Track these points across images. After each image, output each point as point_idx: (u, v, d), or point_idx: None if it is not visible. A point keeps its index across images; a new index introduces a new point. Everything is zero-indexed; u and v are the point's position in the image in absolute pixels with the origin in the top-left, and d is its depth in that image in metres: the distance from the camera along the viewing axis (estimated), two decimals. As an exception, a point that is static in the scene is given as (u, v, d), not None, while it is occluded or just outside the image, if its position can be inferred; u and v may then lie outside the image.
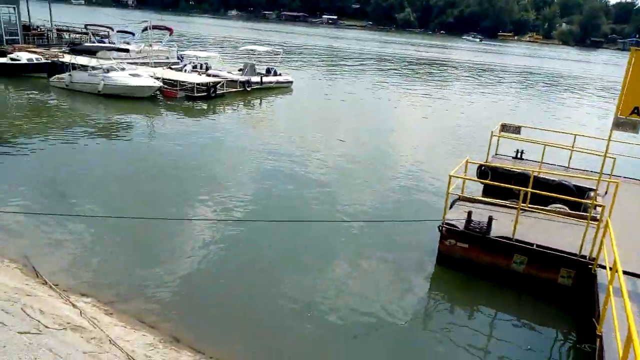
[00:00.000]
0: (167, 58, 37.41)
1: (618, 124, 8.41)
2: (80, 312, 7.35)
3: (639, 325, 6.81)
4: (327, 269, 10.14)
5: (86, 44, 36.37)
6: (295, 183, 15.24)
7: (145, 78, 26.78)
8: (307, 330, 8.19)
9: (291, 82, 35.00)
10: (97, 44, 35.53)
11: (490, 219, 9.91)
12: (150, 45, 35.64)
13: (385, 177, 16.44)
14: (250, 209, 12.92)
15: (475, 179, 13.54)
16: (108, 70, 26.62)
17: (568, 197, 10.76)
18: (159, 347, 7.11)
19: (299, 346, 7.75)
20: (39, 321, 5.78)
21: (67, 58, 29.06)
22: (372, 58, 65.41)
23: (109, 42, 39.30)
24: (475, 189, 14.76)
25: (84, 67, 27.28)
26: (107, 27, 43.43)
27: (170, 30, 41.49)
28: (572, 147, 14.31)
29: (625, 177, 14.22)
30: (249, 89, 31.11)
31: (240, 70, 33.41)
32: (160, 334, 7.76)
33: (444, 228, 10.23)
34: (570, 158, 14.60)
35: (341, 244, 11.29)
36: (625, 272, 8.13)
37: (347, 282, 9.72)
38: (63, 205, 12.22)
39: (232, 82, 30.53)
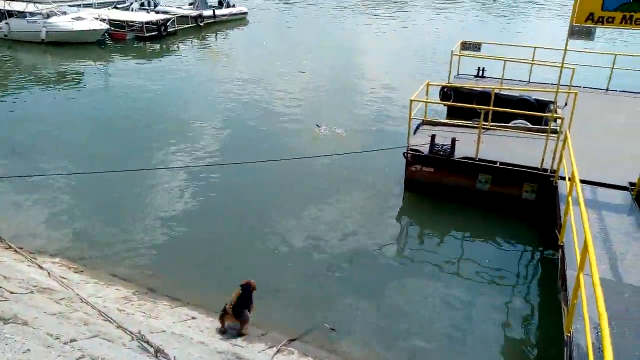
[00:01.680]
0: (111, -4, 35.03)
1: (573, 32, 8.30)
2: (48, 273, 7.22)
3: (596, 233, 7.13)
4: (300, 205, 10.13)
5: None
6: (258, 121, 14.95)
7: (90, 21, 25.18)
8: (284, 266, 8.28)
9: (246, 13, 33.50)
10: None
11: (454, 140, 9.94)
12: (91, -16, 33.19)
13: (349, 107, 16.24)
14: (216, 152, 12.68)
15: (436, 101, 13.47)
16: (48, 16, 24.81)
17: (529, 112, 10.83)
18: (134, 299, 7.10)
19: (278, 284, 7.82)
20: (1, 287, 5.64)
21: (1, 4, 26.88)
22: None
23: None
24: (442, 110, 14.76)
25: (21, 14, 25.34)
26: (42, -33, 40.05)
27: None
28: (532, 60, 14.26)
29: (584, 87, 14.36)
30: (201, 24, 29.70)
31: (191, 4, 31.65)
32: (134, 286, 7.73)
33: (408, 154, 10.24)
34: (530, 72, 14.58)
35: (311, 180, 11.26)
36: (583, 182, 8.37)
37: (321, 217, 9.77)
38: (20, 164, 11.73)
39: (183, 18, 29.04)
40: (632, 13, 7.76)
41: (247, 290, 6.34)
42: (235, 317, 6.33)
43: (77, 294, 6.42)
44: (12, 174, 10.86)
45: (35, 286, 6.27)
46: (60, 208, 9.99)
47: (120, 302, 6.85)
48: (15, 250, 8.13)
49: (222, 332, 6.41)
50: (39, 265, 7.50)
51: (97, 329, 5.26)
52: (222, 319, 6.42)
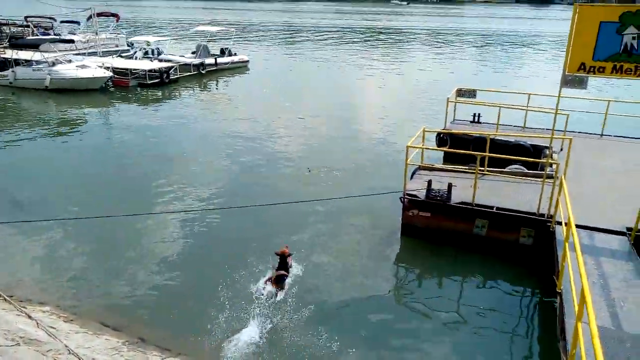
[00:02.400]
0: (116, 46, 36.04)
1: (566, 81, 8.47)
2: (37, 323, 7.06)
3: (594, 280, 7.02)
4: (295, 250, 10.03)
5: (28, 37, 34.67)
6: (257, 167, 15.03)
7: (94, 69, 25.76)
8: (276, 313, 8.09)
9: (247, 61, 34.31)
10: (39, 37, 33.91)
11: (450, 185, 9.96)
12: (97, 34, 34.18)
13: (346, 153, 16.34)
14: (212, 197, 12.66)
15: (432, 147, 13.58)
16: (54, 64, 25.42)
17: (524, 158, 10.89)
18: (123, 350, 6.93)
19: (270, 332, 7.65)
20: (-12, 339, 5.51)
21: (9, 54, 27.62)
22: (327, 31, 64.63)
23: (53, 34, 37.55)
24: (438, 156, 14.84)
25: (27, 62, 25.99)
26: (50, 18, 41.48)
27: (116, 16, 39.82)
28: (527, 106, 14.47)
29: (579, 132, 14.50)
30: (203, 72, 30.35)
31: (193, 52, 32.50)
32: (125, 336, 7.56)
33: (405, 199, 10.24)
34: (525, 118, 14.78)
35: (307, 224, 11.19)
36: (580, 226, 8.34)
37: (316, 261, 9.65)
38: (15, 211, 11.71)
39: (185, 66, 29.72)
40: (622, 63, 7.94)
41: (282, 257, 8.51)
42: (277, 284, 8.31)
43: (66, 346, 6.26)
44: (6, 220, 10.81)
45: (22, 337, 6.13)
46: (52, 254, 9.89)
47: (109, 353, 6.68)
48: (5, 299, 7.99)
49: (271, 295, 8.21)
50: (28, 315, 7.35)
51: (82, 382, 5.10)
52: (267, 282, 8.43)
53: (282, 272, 8.52)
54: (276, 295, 8.23)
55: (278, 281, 8.37)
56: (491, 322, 8.06)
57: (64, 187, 13.24)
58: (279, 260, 8.60)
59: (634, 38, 7.72)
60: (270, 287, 8.38)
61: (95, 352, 6.43)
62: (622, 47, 7.83)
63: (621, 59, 7.92)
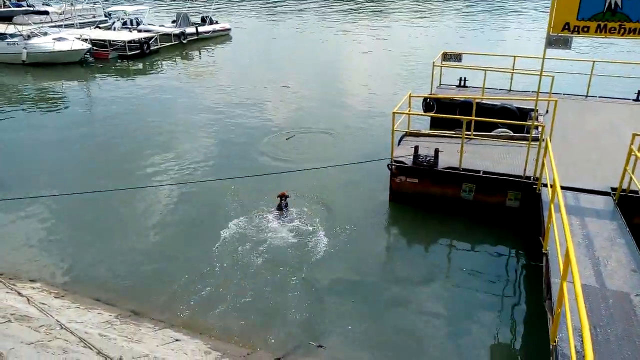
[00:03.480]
0: (94, 17, 35.04)
1: (550, 42, 8.40)
2: (28, 299, 7.06)
3: (579, 239, 7.15)
4: (286, 220, 10.05)
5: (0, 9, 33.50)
6: (241, 137, 14.90)
7: (72, 41, 25.04)
8: (267, 282, 8.16)
9: (229, 29, 33.59)
10: (11, 8, 32.76)
11: (437, 151, 9.97)
12: (72, 5, 33.09)
13: (332, 121, 16.21)
14: (203, 169, 12.59)
15: (419, 112, 13.54)
16: (29, 37, 24.68)
17: (510, 121, 10.91)
18: (116, 323, 6.96)
19: (261, 302, 7.73)
20: (-22, 318, 5.49)
21: (-20, 27, 26.69)
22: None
23: (27, 5, 36.31)
24: (426, 121, 14.81)
25: (1, 35, 25.15)
26: (23, -12, 40.00)
27: (92, -15, 38.60)
28: (512, 69, 14.42)
29: (565, 94, 14.54)
30: (184, 41, 29.70)
31: (173, 22, 31.70)
32: (117, 309, 7.59)
33: (393, 166, 10.25)
34: (511, 80, 14.74)
35: (299, 193, 11.15)
36: (565, 188, 8.44)
37: (304, 229, 9.68)
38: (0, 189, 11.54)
39: (166, 36, 29.03)
40: (606, 22, 7.89)
41: (282, 198, 10.23)
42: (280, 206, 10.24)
43: (57, 321, 6.27)
44: (-8, 198, 10.66)
45: (13, 314, 6.12)
46: (40, 231, 9.83)
47: (102, 327, 6.70)
48: (-6, 277, 7.95)
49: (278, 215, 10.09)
50: (18, 292, 7.33)
51: (76, 357, 5.13)
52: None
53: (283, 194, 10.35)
54: (282, 212, 10.14)
55: (281, 204, 10.23)
56: (479, 285, 8.22)
57: (46, 163, 13.06)
58: (279, 201, 10.27)
59: (618, -4, 7.66)
60: (276, 212, 10.17)
61: (88, 327, 6.46)
62: (606, 5, 7.77)
63: (605, 18, 7.87)
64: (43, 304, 7.04)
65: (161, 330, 7.02)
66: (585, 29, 8.07)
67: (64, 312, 7.00)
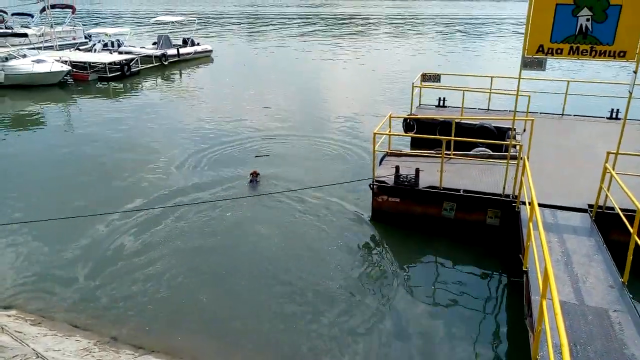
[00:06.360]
0: (74, 39, 34.90)
1: (526, 64, 8.64)
2: (2, 328, 6.85)
3: (558, 256, 7.25)
4: (267, 239, 10.01)
5: (-22, 32, 33.15)
6: (221, 158, 14.84)
7: (51, 63, 24.89)
8: (249, 307, 8.08)
9: (210, 51, 33.78)
10: (-11, 31, 32.49)
11: (418, 170, 10.07)
12: (52, 27, 32.95)
13: (313, 142, 16.29)
14: (179, 193, 12.45)
15: (399, 133, 13.70)
16: (7, 59, 24.45)
17: (489, 141, 11.10)
18: (95, 350, 6.79)
19: (243, 327, 7.64)
20: (-51, 349, 5.31)
21: (-43, 49, 26.37)
22: (290, 19, 64.05)
23: (5, 27, 36.03)
24: (406, 141, 14.97)
25: (-22, 58, 24.89)
26: (1, 11, 39.73)
27: (72, 8, 38.46)
28: (490, 89, 14.73)
29: (541, 113, 14.88)
30: (166, 63, 29.75)
31: (154, 44, 31.75)
32: (96, 336, 7.40)
33: (374, 186, 10.31)
34: (489, 100, 15.04)
35: (280, 215, 11.13)
36: (543, 205, 8.58)
37: (287, 247, 9.64)
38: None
39: (147, 58, 29.04)
40: (578, 44, 8.14)
41: (252, 175, 12.63)
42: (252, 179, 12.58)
43: (33, 349, 6.10)
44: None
45: (-13, 344, 5.93)
46: (12, 258, 9.57)
47: (80, 355, 6.54)
48: (-33, 305, 7.72)
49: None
50: (-7, 320, 7.12)
51: (52, 386, 4.98)
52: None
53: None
54: (253, 182, 12.44)
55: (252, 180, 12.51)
56: (460, 302, 8.23)
57: (22, 187, 12.80)
58: (250, 178, 12.52)
59: (587, 20, 7.91)
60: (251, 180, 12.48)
61: (66, 355, 6.29)
62: (578, 28, 8.02)
63: (577, 41, 8.12)
64: (18, 332, 6.85)
65: (141, 356, 6.86)
66: (559, 51, 8.31)
67: (41, 339, 6.81)
